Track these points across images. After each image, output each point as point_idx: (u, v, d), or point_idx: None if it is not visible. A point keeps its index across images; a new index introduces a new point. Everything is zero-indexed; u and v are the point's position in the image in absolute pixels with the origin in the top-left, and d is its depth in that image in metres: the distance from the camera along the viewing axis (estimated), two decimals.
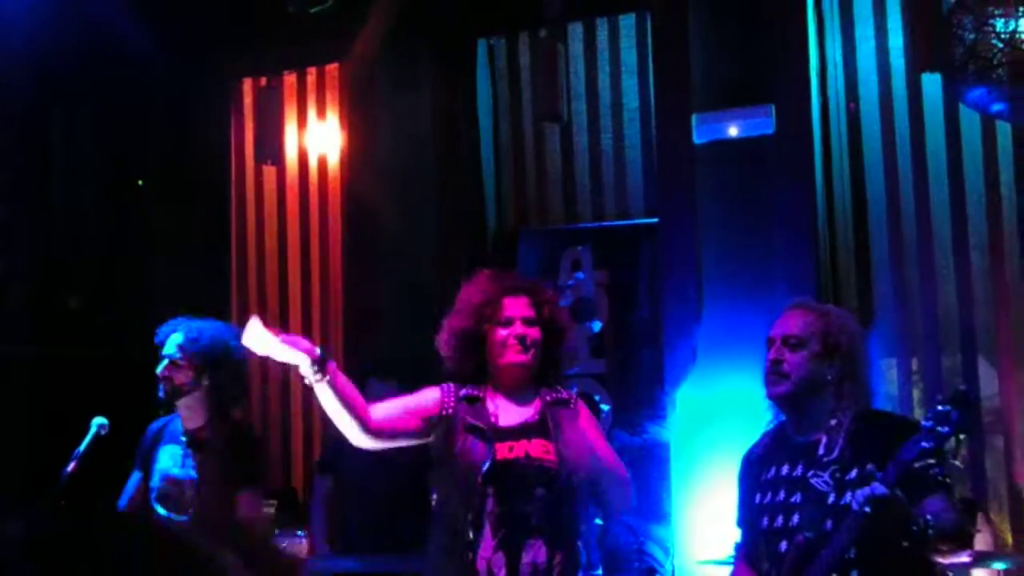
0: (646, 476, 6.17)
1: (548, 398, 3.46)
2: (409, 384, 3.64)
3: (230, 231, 7.47)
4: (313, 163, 7.32)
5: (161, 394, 4.21)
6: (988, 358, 5.59)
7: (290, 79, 7.35)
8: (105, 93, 7.32)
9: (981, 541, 4.84)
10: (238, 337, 4.16)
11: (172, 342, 4.24)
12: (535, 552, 3.25)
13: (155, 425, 4.38)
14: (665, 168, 5.97)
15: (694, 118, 5.66)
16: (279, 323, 7.35)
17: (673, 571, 5.58)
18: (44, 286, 7.55)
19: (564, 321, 3.53)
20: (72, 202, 7.75)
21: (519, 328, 3.41)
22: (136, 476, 4.37)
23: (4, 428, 6.86)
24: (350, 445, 5.53)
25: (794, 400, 3.22)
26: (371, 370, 5.79)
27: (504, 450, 3.32)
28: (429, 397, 3.46)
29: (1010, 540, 5.44)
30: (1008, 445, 5.50)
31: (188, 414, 4.23)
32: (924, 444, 2.84)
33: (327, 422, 3.44)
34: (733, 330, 5.52)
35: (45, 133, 7.64)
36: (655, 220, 6.13)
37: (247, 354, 4.18)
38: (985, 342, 5.58)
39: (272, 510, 3.87)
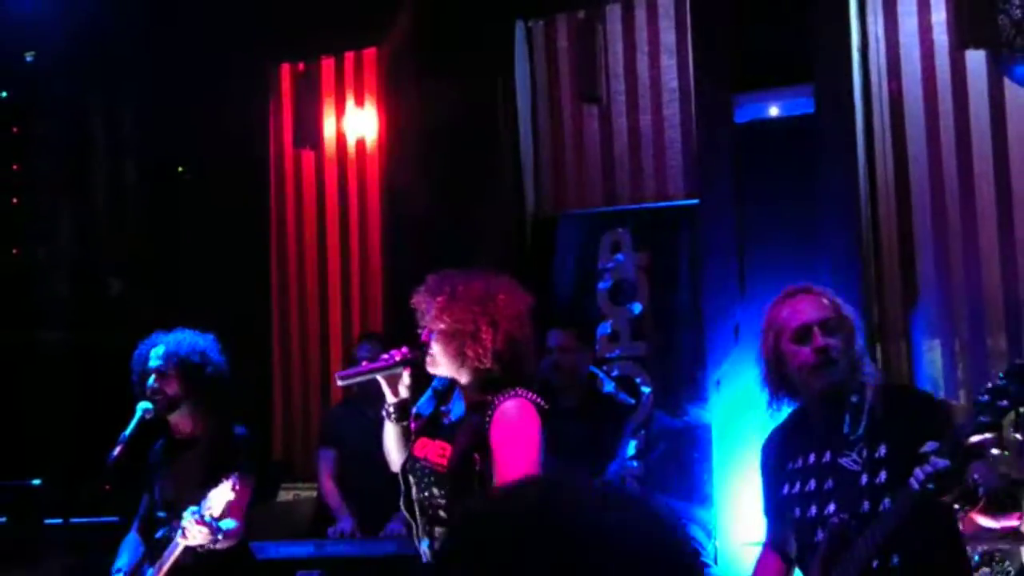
0: (688, 458, 6.15)
1: (475, 401, 3.43)
2: None
3: (269, 216, 7.50)
4: (351, 147, 7.32)
5: (152, 411, 4.27)
6: None
7: (328, 64, 7.36)
8: (143, 79, 7.36)
9: None
10: (212, 342, 4.34)
11: (154, 355, 4.33)
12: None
13: (156, 447, 4.49)
14: (705, 149, 5.92)
15: (734, 98, 5.61)
16: (319, 308, 7.39)
17: (716, 553, 5.56)
18: (84, 273, 7.63)
19: (444, 322, 3.37)
20: (112, 188, 7.81)
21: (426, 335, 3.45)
22: (145, 500, 4.49)
23: (47, 413, 6.93)
24: (351, 419, 5.64)
25: (831, 390, 3.15)
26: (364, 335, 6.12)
27: (420, 447, 3.49)
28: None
29: None
30: None
31: (179, 424, 4.40)
32: (982, 418, 2.80)
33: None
34: None
35: (85, 120, 7.70)
36: (695, 201, 6.09)
37: (223, 357, 4.34)
38: None
39: (231, 480, 3.95)
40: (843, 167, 5.52)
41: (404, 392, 3.50)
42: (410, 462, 3.50)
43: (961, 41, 5.45)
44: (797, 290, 3.28)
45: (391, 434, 3.56)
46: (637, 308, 6.44)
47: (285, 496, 6.43)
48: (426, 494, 3.44)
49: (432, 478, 3.43)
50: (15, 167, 7.71)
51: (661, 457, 6.25)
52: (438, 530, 3.41)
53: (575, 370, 5.29)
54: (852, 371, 3.15)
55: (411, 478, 3.49)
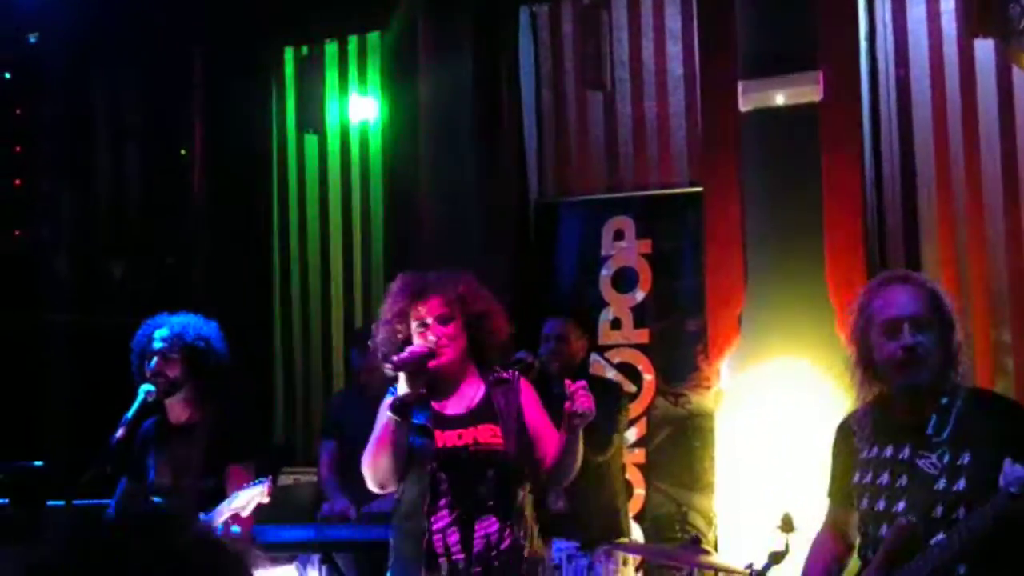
0: (689, 446, 6.14)
1: (490, 379, 3.65)
2: None
3: (271, 200, 7.49)
4: (354, 132, 7.31)
5: (155, 394, 4.21)
6: None
7: (331, 48, 7.34)
8: (146, 62, 7.33)
9: None
10: (216, 330, 4.27)
11: (159, 336, 4.27)
12: (487, 526, 3.47)
13: (145, 427, 4.38)
14: (710, 136, 5.90)
15: (740, 85, 5.58)
16: (321, 291, 7.38)
17: (716, 541, 5.55)
18: (86, 255, 7.61)
19: (483, 307, 3.64)
20: (114, 171, 7.79)
21: (435, 329, 3.56)
22: (124, 482, 4.39)
23: (49, 395, 6.93)
24: (352, 410, 5.65)
25: (920, 388, 3.02)
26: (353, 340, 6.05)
27: (453, 438, 3.53)
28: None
29: None
30: None
31: (176, 409, 4.31)
32: None
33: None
34: (778, 299, 5.46)
35: (87, 102, 7.68)
36: (699, 189, 6.07)
37: (225, 346, 4.29)
38: None
39: (265, 485, 3.92)
40: (849, 155, 5.49)
41: (420, 386, 3.51)
42: (444, 456, 3.50)
43: (970, 30, 5.42)
44: (894, 277, 3.16)
45: (395, 434, 3.49)
46: (640, 295, 6.44)
47: (286, 480, 6.42)
48: (473, 482, 3.48)
49: (489, 460, 3.51)
50: (17, 149, 7.69)
51: (663, 445, 6.25)
52: (481, 519, 3.46)
53: (571, 358, 5.28)
54: (944, 370, 3.02)
55: (445, 474, 3.49)
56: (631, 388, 6.23)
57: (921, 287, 3.10)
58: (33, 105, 7.60)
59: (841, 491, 3.22)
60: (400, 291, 3.64)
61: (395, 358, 3.47)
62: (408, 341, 3.59)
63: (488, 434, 3.54)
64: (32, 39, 7.47)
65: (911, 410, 3.06)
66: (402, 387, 3.48)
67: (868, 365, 3.10)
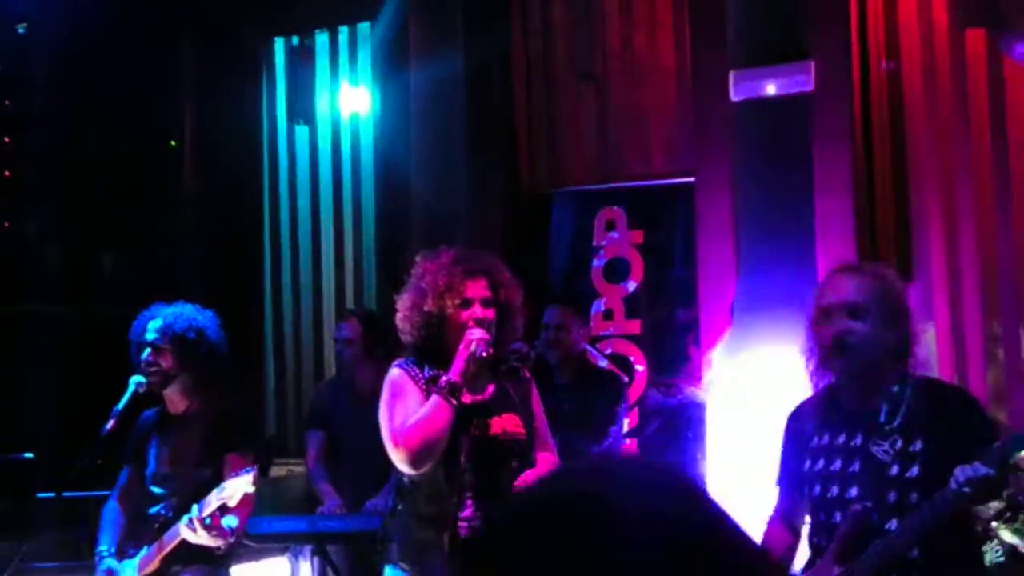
0: (680, 437, 6.15)
1: (500, 370, 3.67)
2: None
3: (263, 192, 7.47)
4: (345, 123, 7.29)
5: (145, 385, 4.21)
6: None
7: (322, 38, 7.32)
8: (137, 52, 7.31)
9: None
10: (211, 320, 4.27)
11: (151, 328, 4.26)
12: None
13: (146, 416, 4.39)
14: (701, 127, 5.89)
15: (731, 75, 5.57)
16: (312, 283, 7.36)
17: None
18: (75, 246, 7.59)
19: (517, 302, 3.66)
20: (105, 163, 7.77)
21: (478, 310, 3.53)
22: (127, 470, 4.38)
23: (38, 387, 6.92)
24: (339, 401, 5.64)
25: (859, 374, 3.09)
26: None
27: (480, 427, 3.54)
28: (413, 395, 3.56)
29: None
30: None
31: (174, 400, 4.31)
32: None
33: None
34: (770, 290, 5.46)
35: (76, 93, 7.65)
36: (691, 179, 6.06)
37: (222, 335, 4.29)
38: None
39: (251, 474, 3.90)
40: (840, 145, 5.49)
41: (473, 371, 3.53)
42: (472, 445, 3.50)
43: (961, 21, 5.42)
44: (846, 267, 3.21)
45: (448, 416, 3.48)
46: (631, 286, 6.44)
47: (278, 472, 6.42)
48: (498, 470, 3.51)
49: (513, 450, 3.55)
50: (7, 140, 7.67)
51: (654, 435, 6.25)
52: None
53: (571, 346, 5.29)
54: (891, 359, 3.06)
55: (471, 464, 3.49)
56: (623, 379, 6.23)
57: (869, 276, 3.15)
58: (22, 96, 7.57)
59: (792, 479, 3.25)
60: (452, 264, 3.56)
61: (480, 353, 3.47)
62: (443, 316, 3.55)
63: (511, 423, 3.57)
64: (21, 30, 7.44)
65: (862, 398, 3.11)
66: (458, 369, 3.47)
67: (818, 352, 3.14)
